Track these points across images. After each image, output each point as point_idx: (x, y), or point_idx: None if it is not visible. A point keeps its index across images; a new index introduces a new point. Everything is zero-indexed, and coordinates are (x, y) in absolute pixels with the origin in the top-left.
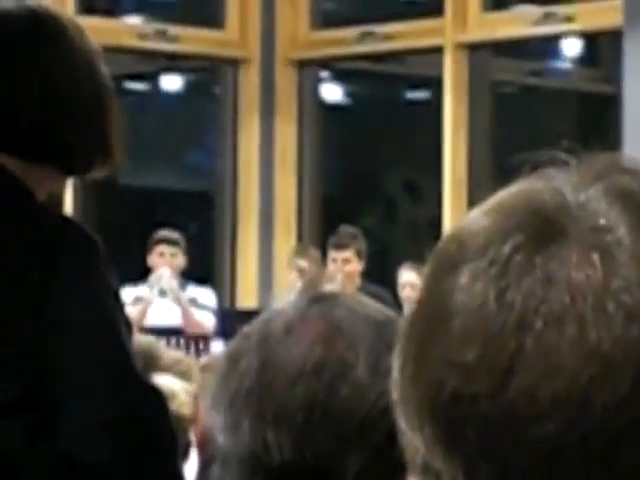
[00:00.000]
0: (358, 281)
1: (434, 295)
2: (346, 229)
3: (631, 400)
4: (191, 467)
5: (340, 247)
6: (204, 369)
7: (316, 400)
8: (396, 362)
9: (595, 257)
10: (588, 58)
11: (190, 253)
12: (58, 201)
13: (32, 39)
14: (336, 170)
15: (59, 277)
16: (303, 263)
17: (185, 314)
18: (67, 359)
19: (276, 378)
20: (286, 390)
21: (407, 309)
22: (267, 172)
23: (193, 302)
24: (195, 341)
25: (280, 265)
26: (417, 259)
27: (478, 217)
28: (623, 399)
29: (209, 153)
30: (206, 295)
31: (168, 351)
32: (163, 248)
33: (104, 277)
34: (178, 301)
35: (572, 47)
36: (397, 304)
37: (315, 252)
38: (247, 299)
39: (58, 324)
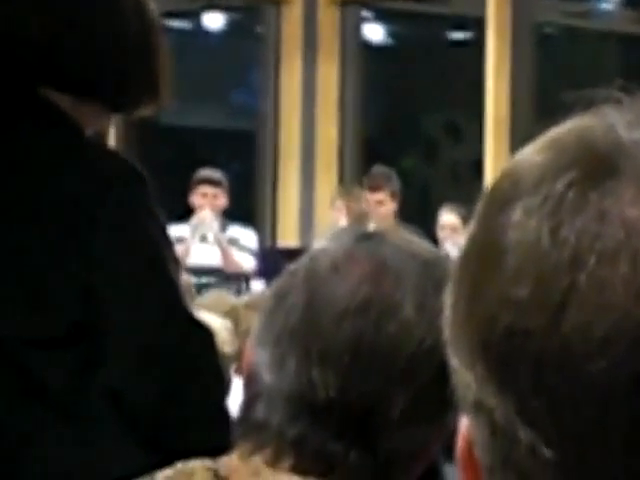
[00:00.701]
0: (392, 222)
1: (487, 232)
2: (379, 170)
3: None
4: (234, 403)
5: (373, 189)
6: (247, 307)
7: (362, 338)
8: (448, 300)
9: None
10: (632, 0)
11: (232, 192)
12: (104, 138)
13: None
14: (378, 110)
15: (108, 212)
16: (347, 203)
17: (225, 256)
18: (115, 294)
19: (322, 316)
20: (332, 328)
21: (445, 250)
22: (309, 112)
23: (234, 243)
24: (236, 280)
25: (321, 204)
26: (457, 200)
27: (531, 154)
28: None
29: (251, 92)
30: (247, 235)
31: (211, 292)
32: (205, 188)
33: (153, 212)
34: (219, 243)
35: None
36: (434, 245)
37: (359, 192)
38: (288, 238)
39: (107, 260)
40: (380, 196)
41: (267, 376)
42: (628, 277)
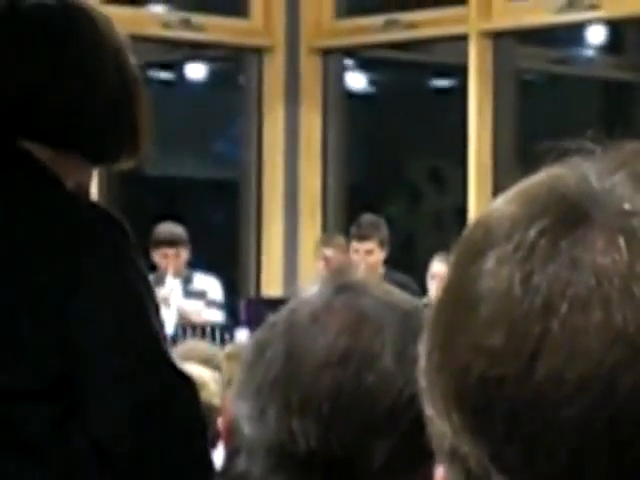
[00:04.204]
0: (381, 270)
1: (460, 281)
2: (368, 218)
3: None
4: (217, 457)
5: (362, 238)
6: (229, 357)
7: (342, 389)
8: (423, 349)
9: (621, 241)
10: (613, 45)
11: (216, 242)
12: (85, 190)
13: (63, 29)
14: (361, 159)
15: (89, 262)
16: (329, 252)
17: (195, 315)
18: (97, 344)
19: (302, 367)
20: (312, 379)
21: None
22: (292, 160)
23: (200, 296)
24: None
25: (305, 254)
26: (441, 247)
27: (503, 204)
28: None
29: (234, 142)
30: (212, 286)
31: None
32: (165, 250)
33: (135, 262)
34: (183, 314)
35: (597, 35)
36: (422, 293)
37: (341, 240)
38: (272, 288)
39: (88, 310)
40: (369, 245)
41: (247, 428)
42: (600, 323)
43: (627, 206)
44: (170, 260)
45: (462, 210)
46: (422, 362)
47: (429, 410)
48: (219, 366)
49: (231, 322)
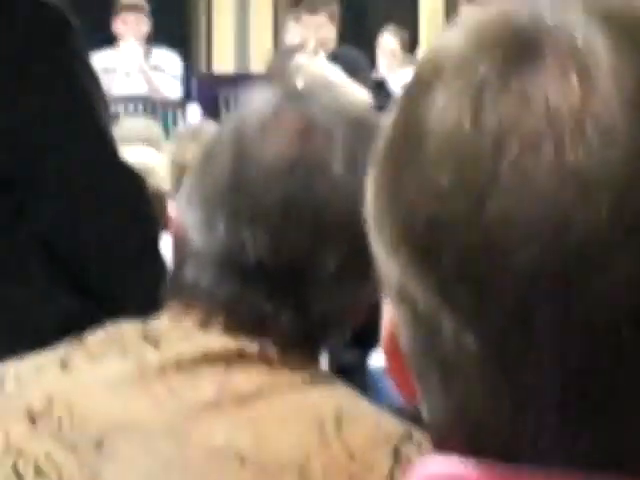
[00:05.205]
0: (332, 46)
1: (409, 116)
2: None
3: (609, 223)
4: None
5: (312, 11)
6: (181, 138)
7: (292, 197)
8: (370, 187)
9: (573, 77)
10: None
11: (164, 15)
12: None
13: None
14: None
15: (42, 68)
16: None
17: (150, 84)
18: (49, 140)
19: (251, 176)
20: (262, 188)
21: (382, 76)
22: None
23: (158, 69)
24: (165, 108)
25: (257, 26)
26: (394, 20)
27: (453, 37)
28: (601, 222)
29: None
30: (172, 60)
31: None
32: (127, 16)
33: (84, 62)
34: (143, 73)
35: None
36: (371, 64)
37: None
38: (223, 63)
39: (42, 111)
40: (319, 19)
41: (196, 237)
42: (552, 163)
43: (580, 43)
44: (131, 27)
45: None
46: (369, 198)
47: (377, 248)
48: (160, 144)
49: (184, 99)
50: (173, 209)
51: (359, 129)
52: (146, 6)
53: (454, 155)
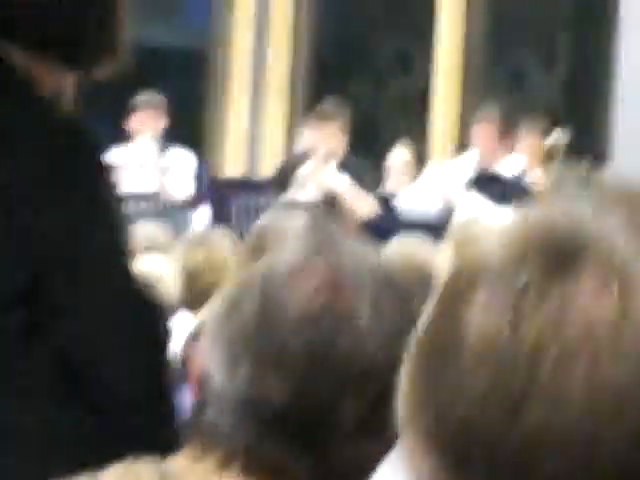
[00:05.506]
0: (341, 155)
1: (446, 322)
2: (330, 102)
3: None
4: (176, 345)
5: (324, 120)
6: (192, 244)
7: (318, 347)
8: (405, 379)
9: (613, 289)
10: None
11: (178, 114)
12: (64, 96)
13: None
14: (330, 37)
15: (59, 191)
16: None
17: (162, 182)
18: (67, 268)
19: (277, 323)
20: (287, 336)
21: (393, 185)
22: (261, 36)
23: (173, 167)
24: (174, 209)
25: (269, 129)
26: (405, 132)
27: (493, 244)
28: (633, 436)
29: (205, 11)
30: (187, 159)
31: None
32: (144, 112)
33: (103, 184)
34: (157, 171)
35: None
36: (379, 177)
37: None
38: (235, 164)
39: (58, 226)
40: (330, 128)
41: (219, 380)
42: (587, 375)
43: (621, 251)
44: (147, 123)
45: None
46: (403, 390)
47: (409, 442)
48: (169, 250)
49: (195, 199)
50: (197, 349)
51: (386, 284)
52: (163, 103)
53: (492, 360)
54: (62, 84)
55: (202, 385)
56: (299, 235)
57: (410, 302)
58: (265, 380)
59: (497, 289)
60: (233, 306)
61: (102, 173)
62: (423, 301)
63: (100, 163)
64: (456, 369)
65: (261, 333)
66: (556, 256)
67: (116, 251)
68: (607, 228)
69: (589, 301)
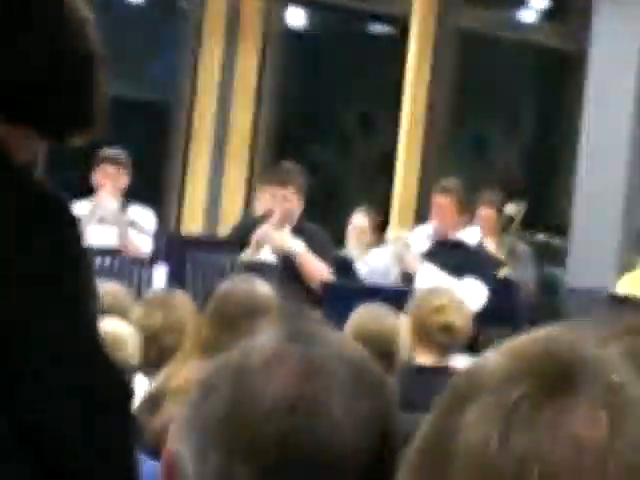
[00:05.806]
0: (296, 219)
1: (440, 429)
2: (287, 165)
3: None
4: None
5: (281, 183)
6: (148, 304)
7: (289, 439)
8: None
9: (604, 416)
10: (555, 13)
11: (139, 169)
12: (33, 162)
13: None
14: (294, 100)
15: (32, 260)
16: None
17: (123, 238)
18: (34, 334)
19: (249, 413)
20: (259, 426)
21: (349, 250)
22: (225, 96)
23: (133, 224)
24: (135, 264)
25: (229, 191)
26: (367, 197)
27: (493, 358)
28: None
29: (169, 68)
30: (146, 217)
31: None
32: (107, 168)
33: (76, 248)
34: (118, 225)
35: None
36: (339, 242)
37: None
38: (193, 224)
39: (30, 298)
40: (287, 191)
41: (189, 468)
42: None
43: (617, 380)
44: (110, 179)
45: (391, 158)
46: None
47: None
48: (128, 312)
49: (152, 258)
50: (170, 438)
51: (359, 374)
52: (127, 161)
53: (480, 471)
54: (35, 151)
55: (171, 471)
56: (271, 320)
57: (383, 390)
58: (234, 470)
59: (490, 402)
60: (205, 394)
61: (71, 235)
62: (394, 388)
63: (69, 226)
64: (448, 477)
65: (232, 421)
66: (551, 376)
67: (83, 314)
68: (606, 357)
69: (579, 427)
